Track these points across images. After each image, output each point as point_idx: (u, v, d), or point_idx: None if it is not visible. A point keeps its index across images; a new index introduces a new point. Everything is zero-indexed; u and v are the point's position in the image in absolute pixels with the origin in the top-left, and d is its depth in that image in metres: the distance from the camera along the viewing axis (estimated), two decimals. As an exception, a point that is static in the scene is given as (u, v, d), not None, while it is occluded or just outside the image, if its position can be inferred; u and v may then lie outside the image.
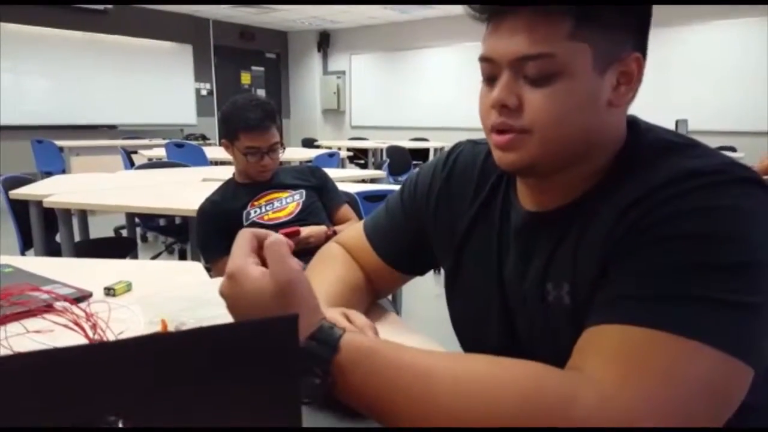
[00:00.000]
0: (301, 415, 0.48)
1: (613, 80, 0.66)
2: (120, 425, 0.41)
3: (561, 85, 0.64)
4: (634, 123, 0.72)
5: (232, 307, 0.64)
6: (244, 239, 0.65)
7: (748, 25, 7.08)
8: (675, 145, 0.66)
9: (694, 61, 7.43)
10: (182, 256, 4.00)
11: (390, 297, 2.42)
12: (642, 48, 0.68)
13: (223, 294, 0.64)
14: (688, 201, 0.59)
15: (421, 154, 7.73)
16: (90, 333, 0.70)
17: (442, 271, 0.93)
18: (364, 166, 7.32)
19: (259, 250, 0.64)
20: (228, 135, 1.98)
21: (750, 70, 7.07)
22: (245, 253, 0.64)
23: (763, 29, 6.99)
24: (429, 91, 9.87)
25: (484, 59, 0.69)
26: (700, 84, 7.40)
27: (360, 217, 2.17)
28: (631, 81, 0.67)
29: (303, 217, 1.96)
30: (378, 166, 6.15)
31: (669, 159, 0.64)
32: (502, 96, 0.66)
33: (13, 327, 0.85)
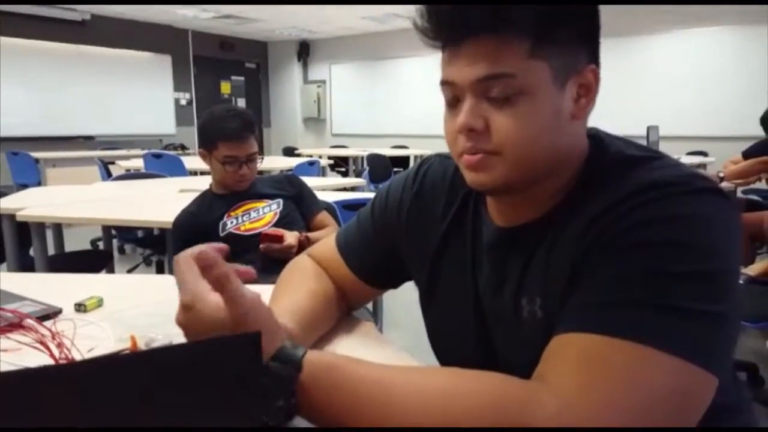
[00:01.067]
0: (265, 426, 0.49)
1: (573, 93, 0.68)
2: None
3: (525, 104, 0.65)
4: (596, 136, 0.73)
5: (191, 335, 0.63)
6: (188, 266, 0.63)
7: (716, 33, 7.28)
8: (638, 158, 0.68)
9: (664, 69, 7.61)
10: (160, 268, 3.96)
11: (370, 306, 2.42)
12: (596, 59, 0.70)
13: (180, 324, 0.63)
14: (649, 210, 0.60)
15: (402, 161, 7.75)
16: (55, 352, 0.68)
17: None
18: (344, 174, 7.32)
19: (202, 271, 0.62)
20: (206, 144, 1.97)
21: (719, 76, 7.27)
22: (196, 279, 0.62)
23: (730, 36, 7.20)
24: (408, 100, 9.92)
25: (446, 83, 0.69)
26: (670, 91, 7.58)
27: (339, 225, 2.16)
28: (589, 92, 0.69)
29: (280, 227, 1.95)
30: (358, 174, 6.17)
31: (632, 172, 0.65)
32: (469, 120, 0.66)
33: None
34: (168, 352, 0.48)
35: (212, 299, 0.61)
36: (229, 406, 0.47)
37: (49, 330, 0.69)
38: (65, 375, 0.43)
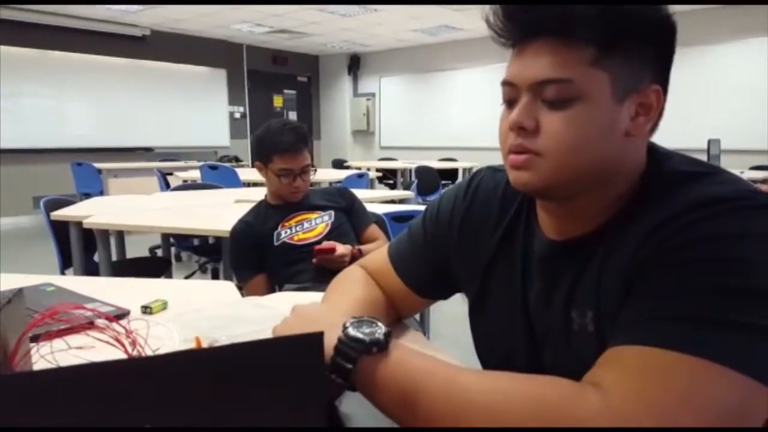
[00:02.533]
0: (324, 422, 0.51)
1: (632, 110, 0.68)
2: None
3: (578, 110, 0.66)
4: (652, 150, 0.73)
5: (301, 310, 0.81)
6: None
7: None
8: (695, 173, 0.67)
9: (726, 80, 7.31)
10: (215, 275, 4.09)
11: (417, 317, 2.44)
12: (662, 81, 0.69)
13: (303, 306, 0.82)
14: (710, 226, 0.60)
15: (450, 174, 7.75)
16: (129, 349, 0.74)
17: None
18: (393, 187, 7.37)
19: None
20: (262, 157, 2.04)
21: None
22: None
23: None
24: (457, 112, 9.92)
25: (506, 83, 0.71)
26: (733, 103, 7.26)
27: (388, 237, 2.20)
28: (649, 112, 0.69)
29: (331, 238, 2.00)
30: (407, 187, 6.20)
31: (690, 186, 0.65)
32: (520, 118, 0.68)
33: (57, 343, 0.89)
34: (235, 349, 0.50)
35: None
36: (291, 403, 0.49)
37: (125, 328, 0.74)
38: (144, 368, 0.46)
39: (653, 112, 0.69)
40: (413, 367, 0.64)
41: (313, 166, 2.07)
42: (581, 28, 0.64)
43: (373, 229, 2.17)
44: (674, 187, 0.66)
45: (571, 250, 0.74)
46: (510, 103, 0.71)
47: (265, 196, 2.15)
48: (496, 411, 0.59)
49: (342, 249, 1.89)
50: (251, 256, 2.00)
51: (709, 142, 5.56)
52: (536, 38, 0.67)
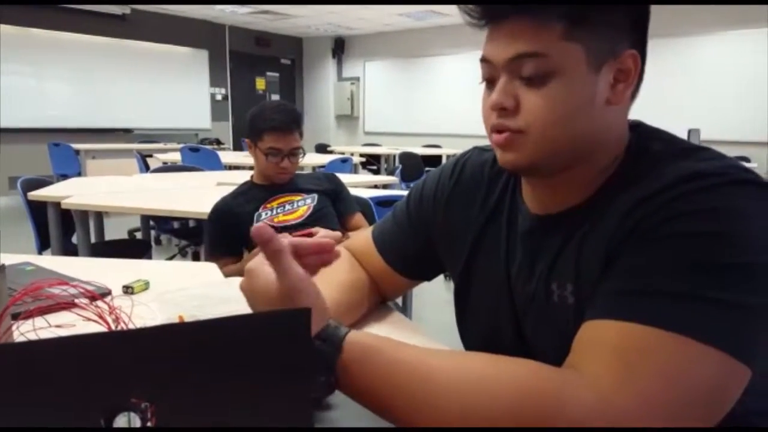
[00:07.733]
0: (310, 404, 0.50)
1: (610, 78, 0.68)
2: (143, 407, 0.44)
3: (556, 85, 0.66)
4: (638, 126, 0.73)
5: (249, 300, 0.68)
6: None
7: (761, 35, 7.01)
8: (680, 150, 0.67)
9: (707, 71, 7.40)
10: (195, 259, 4.05)
11: (400, 302, 2.45)
12: (639, 45, 0.69)
13: (241, 288, 0.68)
14: (692, 202, 0.60)
15: (434, 160, 7.75)
16: (113, 326, 0.73)
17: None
18: (376, 172, 7.37)
19: (260, 245, 0.64)
20: (252, 135, 2.04)
21: (763, 79, 6.99)
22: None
23: (777, 39, 6.93)
24: (442, 98, 9.91)
25: (483, 60, 0.71)
26: (713, 94, 7.36)
27: (373, 222, 2.19)
28: (628, 78, 0.68)
29: (312, 221, 1.99)
30: (390, 172, 6.20)
31: (674, 161, 0.65)
32: (500, 98, 0.68)
33: (38, 321, 0.88)
34: (220, 323, 0.49)
35: (268, 270, 0.65)
36: (275, 379, 0.48)
37: (108, 305, 0.74)
38: (129, 340, 0.45)
39: (632, 78, 0.69)
40: (374, 384, 0.61)
41: (302, 149, 2.07)
42: (548, 6, 0.65)
43: (359, 218, 2.16)
44: (659, 163, 0.66)
45: (555, 224, 0.74)
46: (489, 82, 0.71)
47: (252, 176, 2.14)
48: (481, 415, 0.57)
49: (322, 233, 1.89)
50: (226, 236, 2.00)
51: (689, 132, 5.63)
52: (508, 18, 0.67)
